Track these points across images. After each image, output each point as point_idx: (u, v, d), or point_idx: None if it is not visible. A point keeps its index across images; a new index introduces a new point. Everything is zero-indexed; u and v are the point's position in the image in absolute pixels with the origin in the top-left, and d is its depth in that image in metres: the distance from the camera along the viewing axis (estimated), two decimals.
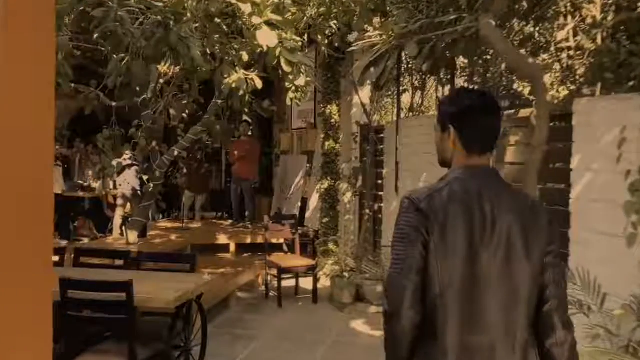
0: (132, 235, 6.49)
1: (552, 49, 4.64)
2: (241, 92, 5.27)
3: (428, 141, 6.48)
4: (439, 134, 1.81)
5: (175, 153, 6.65)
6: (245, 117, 10.59)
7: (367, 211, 7.40)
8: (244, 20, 5.43)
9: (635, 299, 3.37)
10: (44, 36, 1.20)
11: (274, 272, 6.79)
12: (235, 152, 9.84)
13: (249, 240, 9.07)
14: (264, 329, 5.79)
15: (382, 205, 7.38)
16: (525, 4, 4.74)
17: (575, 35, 4.35)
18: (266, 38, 5.00)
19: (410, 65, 7.10)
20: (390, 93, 8.01)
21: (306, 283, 7.06)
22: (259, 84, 5.39)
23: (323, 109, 8.14)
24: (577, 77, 4.47)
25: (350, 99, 7.93)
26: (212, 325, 5.63)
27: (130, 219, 6.97)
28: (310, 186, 9.38)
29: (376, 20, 6.07)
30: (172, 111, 7.09)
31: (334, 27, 6.14)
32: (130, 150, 9.11)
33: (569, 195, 4.22)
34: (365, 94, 7.71)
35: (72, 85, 5.81)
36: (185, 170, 10.51)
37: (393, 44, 4.84)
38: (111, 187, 10.58)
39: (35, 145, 1.16)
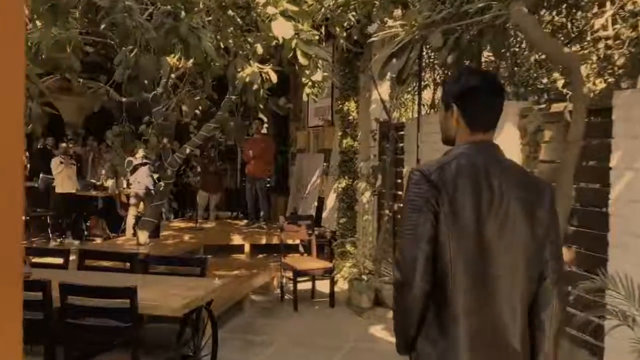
0: (143, 236, 6.28)
1: (589, 38, 4.32)
2: (255, 87, 5.02)
3: None
4: (442, 113, 1.86)
5: (187, 151, 6.42)
6: (260, 114, 10.36)
7: (387, 211, 7.10)
8: (259, 11, 5.19)
9: None
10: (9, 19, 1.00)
11: (290, 274, 6.55)
12: (250, 151, 9.64)
13: (264, 241, 8.85)
14: (279, 334, 5.55)
15: (402, 205, 7.08)
16: None
17: (614, 23, 4.03)
18: (281, 29, 4.75)
19: (431, 60, 6.80)
20: (410, 89, 7.71)
21: (323, 286, 6.80)
22: (273, 77, 5.14)
23: (340, 106, 7.86)
24: (616, 68, 4.15)
25: (369, 95, 7.65)
26: (224, 330, 5.40)
27: (140, 219, 6.76)
28: (327, 185, 9.11)
29: (397, 13, 5.79)
30: (184, 107, 6.86)
31: (353, 19, 5.86)
32: (143, 149, 8.96)
33: (605, 196, 3.92)
34: (384, 89, 7.42)
35: (81, 80, 5.60)
36: (199, 169, 10.29)
37: (416, 34, 4.55)
38: (124, 186, 10.44)
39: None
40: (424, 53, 6.36)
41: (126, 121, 6.19)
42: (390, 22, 5.08)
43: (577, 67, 3.79)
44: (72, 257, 4.42)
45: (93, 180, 10.77)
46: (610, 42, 4.09)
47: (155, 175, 7.61)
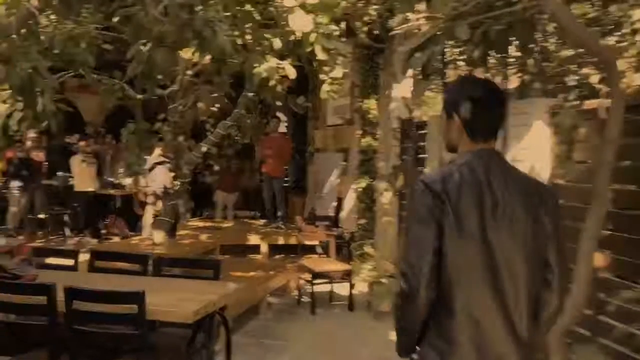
0: (159, 236, 6.14)
1: (627, 30, 4.06)
2: (272, 82, 4.84)
3: None
4: (444, 121, 1.87)
5: (204, 149, 6.26)
6: (277, 113, 10.20)
7: None
8: (276, 4, 5.01)
9: None
10: None
11: (307, 276, 6.37)
12: (267, 150, 9.48)
13: (281, 241, 8.67)
14: (296, 339, 5.37)
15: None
16: None
17: None
18: (300, 22, 4.57)
19: (455, 55, 6.55)
20: (433, 86, 7.48)
21: (341, 288, 6.60)
22: (291, 73, 4.95)
23: (360, 104, 7.65)
24: None
25: (389, 92, 7.43)
26: (239, 334, 5.24)
27: (156, 219, 6.63)
28: (346, 185, 8.91)
29: (421, 7, 5.56)
30: (201, 105, 6.71)
31: (374, 12, 5.65)
32: (161, 147, 8.84)
33: None
34: (405, 86, 7.20)
35: (95, 76, 5.48)
36: (216, 168, 10.15)
37: (441, 26, 4.33)
38: (142, 184, 10.34)
39: None
40: (448, 48, 6.13)
41: (142, 118, 6.04)
42: (414, 15, 4.86)
43: (614, 61, 3.55)
44: (86, 257, 4.29)
45: (111, 179, 10.71)
46: None
47: (172, 174, 7.46)
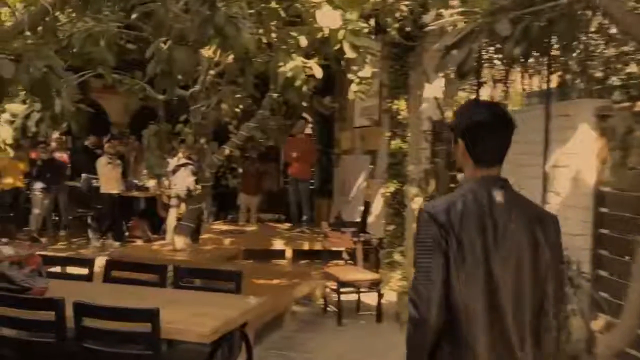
0: (180, 241, 5.94)
1: None
2: (298, 82, 4.59)
3: (515, 140, 5.63)
4: (454, 144, 1.90)
5: (227, 152, 6.04)
6: (303, 114, 9.96)
7: None
8: (303, 0, 4.76)
9: None
10: None
11: (333, 284, 6.11)
12: (293, 152, 9.27)
13: (306, 247, 8.41)
14: (321, 352, 5.11)
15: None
16: None
17: None
18: (328, 19, 4.31)
19: (491, 54, 6.23)
20: (466, 87, 7.16)
21: (369, 297, 6.32)
22: (318, 72, 4.70)
23: (389, 105, 7.36)
24: None
25: (420, 92, 7.12)
26: (261, 346, 5.00)
27: (177, 223, 6.44)
28: (374, 189, 8.61)
29: (456, 2, 5.25)
30: (224, 106, 6.50)
31: (405, 8, 5.36)
32: (184, 149, 8.66)
33: None
34: (437, 86, 6.90)
35: (115, 75, 5.30)
36: (239, 171, 9.95)
37: (480, 22, 4.03)
38: (166, 186, 10.21)
39: None
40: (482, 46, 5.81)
41: (163, 120, 5.85)
42: (448, 11, 4.57)
43: None
44: (103, 262, 4.10)
45: (135, 181, 10.59)
46: None
47: (194, 177, 7.29)
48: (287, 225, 9.94)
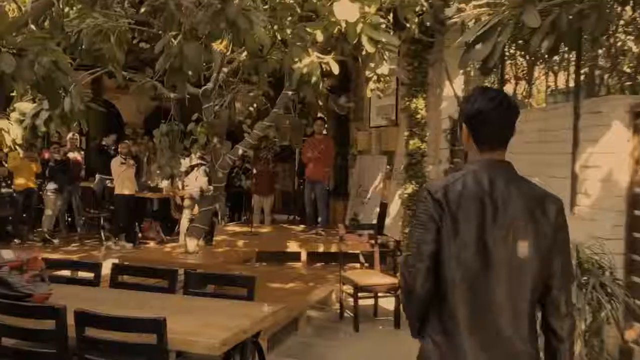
0: (192, 243, 5.77)
1: None
2: (314, 79, 4.40)
3: (540, 139, 5.39)
4: (459, 129, 1.97)
5: (240, 152, 5.86)
6: (319, 112, 9.76)
7: None
8: None
9: None
10: None
11: (350, 288, 5.90)
12: (310, 154, 9.09)
13: (321, 249, 8.24)
14: (337, 359, 4.90)
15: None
16: None
17: None
18: (345, 12, 4.11)
19: (513, 50, 5.99)
20: (486, 84, 6.91)
21: (387, 302, 6.10)
22: (335, 68, 4.50)
23: (407, 103, 7.13)
24: None
25: (440, 91, 6.91)
26: (275, 353, 4.82)
27: (189, 226, 6.27)
28: (391, 190, 8.40)
29: None
30: (237, 105, 6.32)
31: (425, 2, 5.14)
32: (200, 149, 8.50)
33: None
34: (457, 84, 6.67)
35: (125, 73, 5.14)
36: (254, 171, 9.77)
37: (506, 14, 3.81)
38: (179, 187, 10.08)
39: None
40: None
41: (174, 119, 5.69)
42: (472, 2, 4.35)
43: None
44: (114, 262, 3.93)
45: (149, 182, 10.47)
46: None
47: (206, 178, 7.15)
48: (301, 226, 9.77)
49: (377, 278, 6.05)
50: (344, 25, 4.39)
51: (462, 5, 5.01)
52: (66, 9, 4.79)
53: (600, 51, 5.18)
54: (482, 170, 1.83)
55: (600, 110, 4.35)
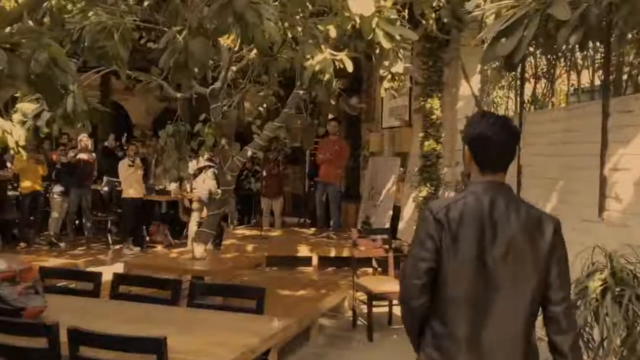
0: (199, 249, 5.55)
1: None
2: (327, 77, 4.17)
3: (565, 140, 5.12)
4: (463, 151, 2.07)
5: (249, 154, 5.63)
6: (329, 113, 9.53)
7: None
8: None
9: None
10: None
11: (363, 294, 5.67)
12: (320, 154, 8.87)
13: (333, 253, 8.01)
14: None
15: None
16: None
17: None
18: (361, 5, 3.89)
19: (532, 46, 5.72)
20: (503, 83, 6.67)
21: None
22: (349, 65, 4.27)
23: (422, 103, 6.89)
24: None
25: (456, 90, 6.66)
26: None
27: (197, 230, 6.06)
28: (404, 193, 8.15)
29: None
30: (247, 105, 6.11)
31: None
32: (208, 151, 8.30)
33: None
34: (474, 83, 6.42)
35: (129, 72, 4.94)
36: (264, 173, 9.55)
37: (532, 6, 3.57)
38: (188, 189, 9.89)
39: None
40: None
41: (181, 120, 5.47)
42: None
43: None
44: (120, 268, 3.72)
45: (157, 185, 10.27)
46: None
47: (215, 181, 6.93)
48: (312, 229, 9.55)
49: (391, 285, 5.80)
50: (358, 20, 4.17)
51: (481, 1, 4.78)
52: (68, 5, 4.62)
53: (629, 47, 4.89)
54: (483, 192, 1.91)
55: (631, 109, 4.09)
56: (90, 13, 4.38)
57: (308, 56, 4.31)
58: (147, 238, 9.52)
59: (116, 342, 2.31)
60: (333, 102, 5.62)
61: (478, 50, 6.47)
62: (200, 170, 8.82)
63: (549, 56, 5.55)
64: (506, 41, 3.58)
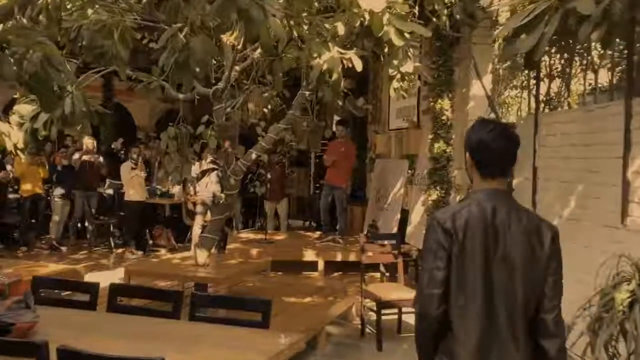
0: (202, 255, 5.37)
1: None
2: (335, 76, 3.99)
3: (584, 142, 4.92)
4: (465, 158, 2.12)
5: (253, 156, 5.45)
6: (334, 115, 9.34)
7: None
8: None
9: None
10: None
11: (371, 302, 5.48)
12: (326, 157, 8.68)
13: (339, 258, 7.85)
14: None
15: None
16: None
17: None
18: (371, 1, 3.70)
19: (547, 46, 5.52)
20: (517, 83, 6.47)
21: (411, 317, 5.62)
22: (358, 64, 4.08)
23: (432, 104, 6.68)
24: None
25: (467, 90, 6.45)
26: None
27: (200, 236, 5.88)
28: (412, 196, 7.95)
29: None
30: (250, 106, 5.93)
31: None
32: (212, 154, 8.12)
33: None
34: (485, 82, 6.22)
35: (131, 73, 4.77)
36: (269, 176, 9.36)
37: (553, 1, 3.39)
38: (191, 192, 9.72)
39: None
40: None
41: (183, 121, 5.29)
42: None
43: None
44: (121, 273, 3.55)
45: (158, 187, 10.10)
46: None
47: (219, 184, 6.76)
48: (317, 233, 9.36)
49: (401, 292, 5.61)
50: (367, 17, 3.99)
51: None
52: (66, 3, 4.45)
53: None
54: (485, 199, 1.98)
55: None
56: (89, 11, 4.21)
57: (315, 55, 4.11)
58: (150, 242, 9.36)
59: None
60: (340, 103, 5.41)
61: (489, 49, 6.30)
62: (203, 173, 8.65)
63: (565, 54, 5.35)
64: (527, 37, 3.39)
